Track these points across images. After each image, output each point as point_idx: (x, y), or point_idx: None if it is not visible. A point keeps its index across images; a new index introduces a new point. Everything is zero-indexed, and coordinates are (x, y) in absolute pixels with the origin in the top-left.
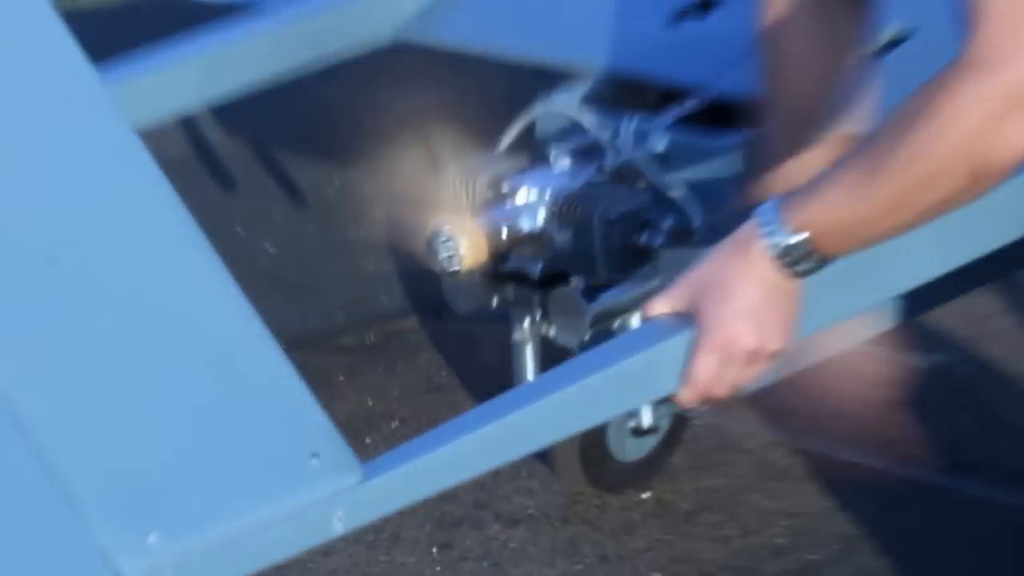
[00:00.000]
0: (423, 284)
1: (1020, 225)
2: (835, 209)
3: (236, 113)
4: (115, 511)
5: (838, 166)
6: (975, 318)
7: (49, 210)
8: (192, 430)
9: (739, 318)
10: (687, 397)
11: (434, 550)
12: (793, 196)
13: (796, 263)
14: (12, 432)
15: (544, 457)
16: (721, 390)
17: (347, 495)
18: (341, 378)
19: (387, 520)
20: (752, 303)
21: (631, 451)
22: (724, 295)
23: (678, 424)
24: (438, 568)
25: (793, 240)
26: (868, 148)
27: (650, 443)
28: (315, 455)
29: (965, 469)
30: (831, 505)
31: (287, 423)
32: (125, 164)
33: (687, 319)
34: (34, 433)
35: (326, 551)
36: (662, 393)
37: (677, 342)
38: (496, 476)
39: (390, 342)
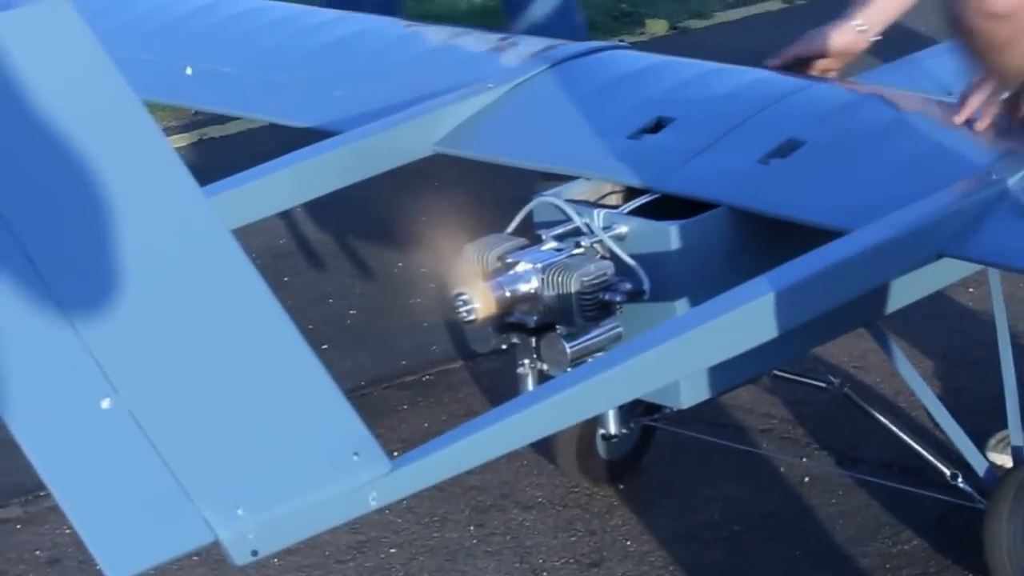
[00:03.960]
0: (463, 335)
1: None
2: None
3: (324, 213)
4: (213, 492)
5: None
6: (857, 352)
7: (158, 290)
8: (270, 438)
9: None
10: None
11: (471, 528)
12: None
13: None
14: (139, 437)
15: (551, 459)
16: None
17: (379, 481)
18: (405, 407)
19: (436, 506)
20: None
21: (611, 453)
22: None
23: (646, 434)
24: (474, 540)
25: None
26: None
27: (624, 447)
28: (356, 453)
29: (850, 461)
30: (754, 490)
31: (338, 433)
32: (217, 254)
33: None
34: (153, 437)
35: (395, 530)
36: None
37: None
38: (516, 473)
39: (439, 380)
